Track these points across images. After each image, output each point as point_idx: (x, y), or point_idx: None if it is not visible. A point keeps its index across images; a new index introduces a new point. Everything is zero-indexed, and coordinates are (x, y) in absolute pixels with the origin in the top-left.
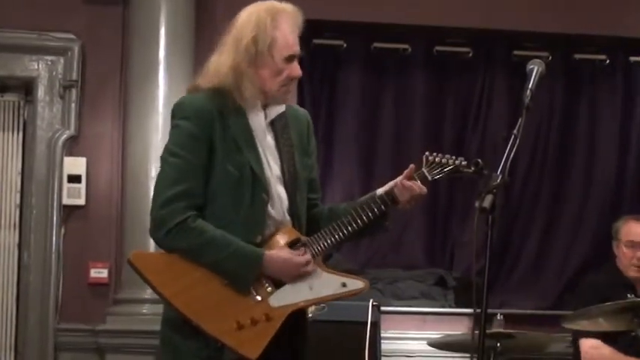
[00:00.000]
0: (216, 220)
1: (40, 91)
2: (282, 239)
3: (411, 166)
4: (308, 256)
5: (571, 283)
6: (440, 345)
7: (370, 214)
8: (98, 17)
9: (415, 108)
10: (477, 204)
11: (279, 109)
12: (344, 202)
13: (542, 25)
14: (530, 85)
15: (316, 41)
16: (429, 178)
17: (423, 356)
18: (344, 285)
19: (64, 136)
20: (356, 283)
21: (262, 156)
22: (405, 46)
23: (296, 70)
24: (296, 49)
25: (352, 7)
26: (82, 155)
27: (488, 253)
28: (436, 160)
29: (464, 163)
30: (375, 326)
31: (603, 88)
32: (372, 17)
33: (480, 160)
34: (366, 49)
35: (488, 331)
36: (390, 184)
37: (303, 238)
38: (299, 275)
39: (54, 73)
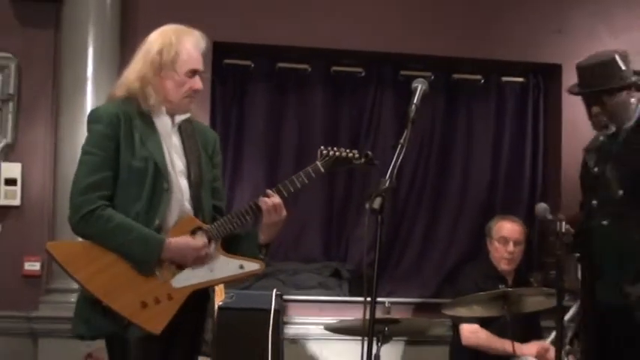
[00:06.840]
0: (122, 209)
1: None
2: (184, 227)
3: (267, 192)
4: (204, 240)
5: (450, 275)
6: (335, 329)
7: (250, 214)
8: (33, 38)
9: (315, 120)
10: (367, 205)
11: (184, 115)
12: None
13: (426, 49)
14: (415, 101)
15: (227, 61)
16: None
17: (320, 339)
18: (241, 267)
19: (2, 144)
20: (252, 265)
21: (166, 152)
22: (306, 66)
23: (197, 83)
24: (198, 65)
25: (259, 31)
26: (17, 161)
27: (378, 248)
28: (330, 153)
29: (356, 155)
30: (278, 313)
31: (478, 104)
32: (276, 40)
33: (369, 152)
34: (271, 69)
35: (377, 317)
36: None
37: (204, 226)
38: (198, 259)
39: None
